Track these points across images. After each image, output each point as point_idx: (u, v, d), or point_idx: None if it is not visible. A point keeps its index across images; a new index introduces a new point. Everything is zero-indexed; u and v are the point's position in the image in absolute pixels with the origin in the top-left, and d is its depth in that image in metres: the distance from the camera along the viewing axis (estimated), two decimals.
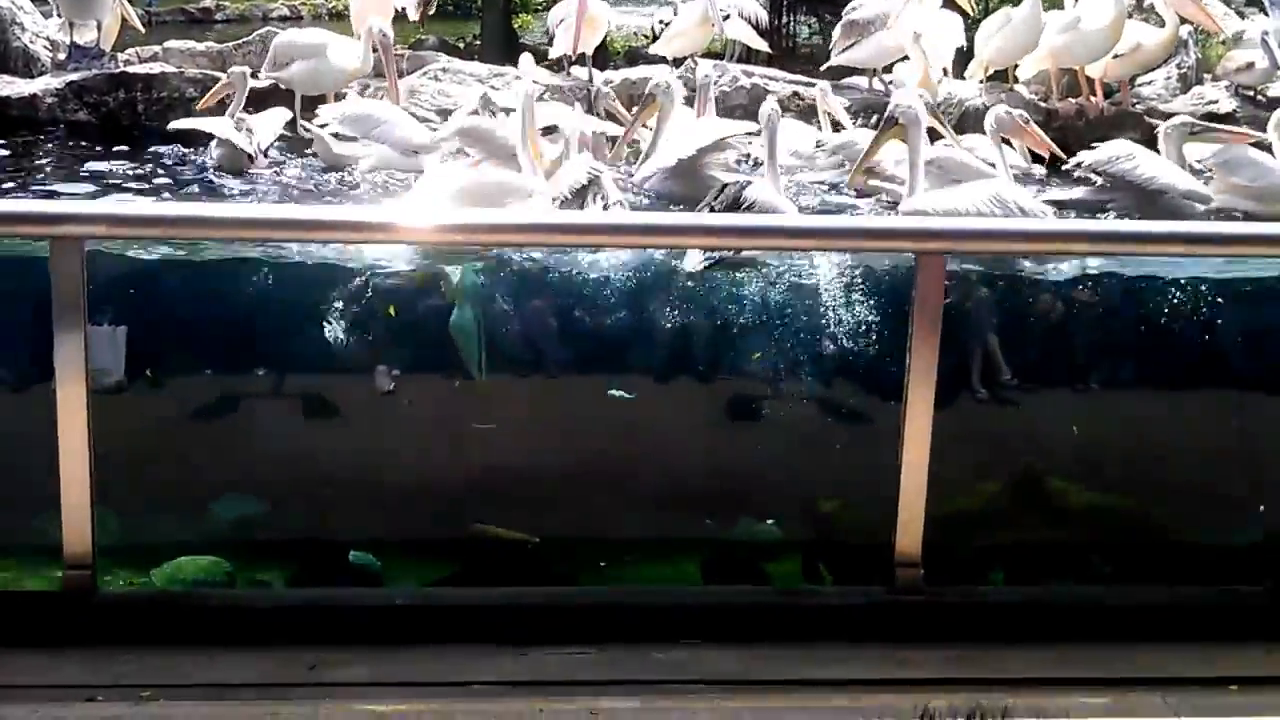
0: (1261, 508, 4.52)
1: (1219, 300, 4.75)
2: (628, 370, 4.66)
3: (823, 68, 8.21)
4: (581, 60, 7.95)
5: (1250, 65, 7.91)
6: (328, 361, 4.54)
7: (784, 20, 19.63)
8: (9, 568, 4.08)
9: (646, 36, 8.46)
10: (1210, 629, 3.63)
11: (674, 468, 4.51)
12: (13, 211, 3.93)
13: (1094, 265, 4.78)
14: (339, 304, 4.57)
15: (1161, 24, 7.81)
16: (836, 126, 7.06)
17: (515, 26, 20.02)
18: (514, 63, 8.11)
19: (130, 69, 7.48)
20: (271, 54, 7.26)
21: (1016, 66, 7.80)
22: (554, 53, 8.16)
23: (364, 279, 4.63)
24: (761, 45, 8.92)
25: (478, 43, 18.03)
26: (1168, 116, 7.10)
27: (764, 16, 9.10)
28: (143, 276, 4.61)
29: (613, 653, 3.52)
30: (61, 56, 7.68)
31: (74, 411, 3.42)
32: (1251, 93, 7.91)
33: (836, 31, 8.14)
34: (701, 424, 4.61)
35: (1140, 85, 8.13)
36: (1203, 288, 4.71)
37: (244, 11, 13.99)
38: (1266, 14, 8.84)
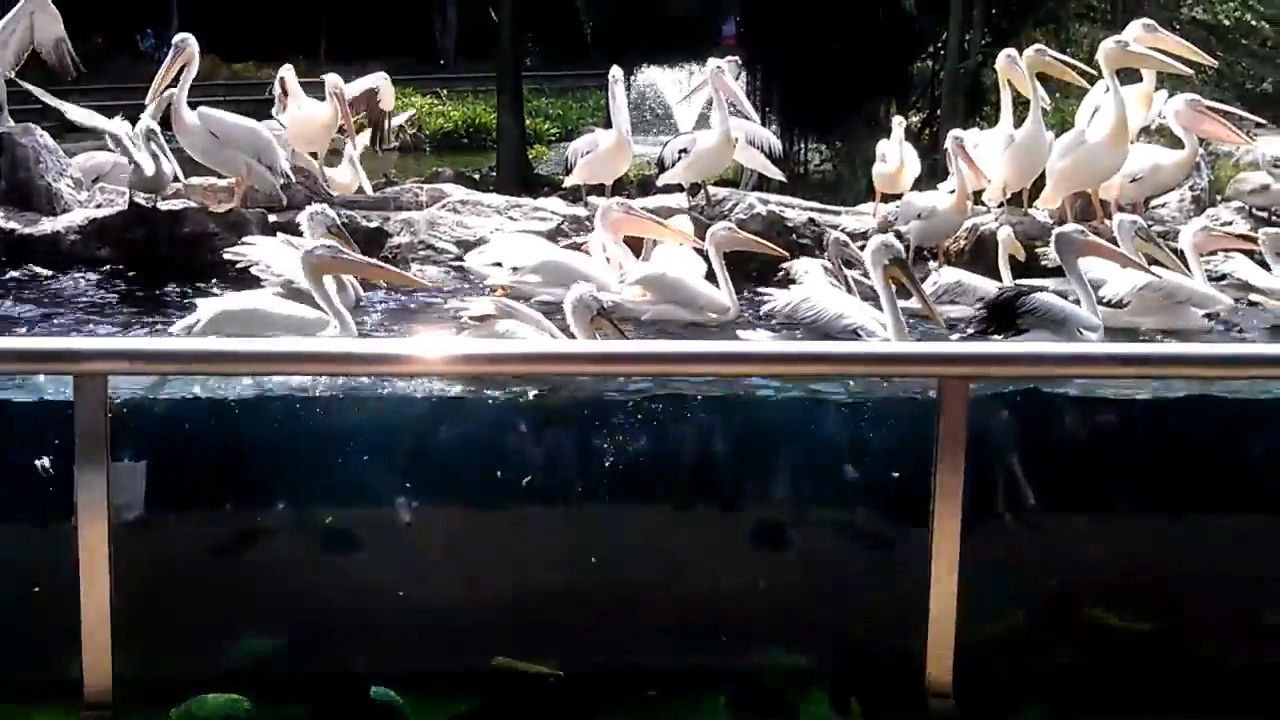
0: None
1: (1253, 421, 4.71)
2: (649, 499, 4.62)
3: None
4: (600, 191, 8.04)
5: (1265, 187, 7.97)
6: (345, 494, 4.51)
7: (795, 147, 19.94)
8: (27, 708, 4.02)
9: (658, 166, 8.54)
10: None
11: (699, 598, 4.45)
12: (37, 349, 3.96)
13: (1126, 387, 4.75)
14: (356, 435, 4.56)
15: (1173, 146, 7.90)
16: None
17: (530, 158, 20.33)
18: (530, 193, 8.24)
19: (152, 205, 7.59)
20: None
21: (1032, 189, 7.88)
22: (569, 181, 8.28)
23: (382, 409, 4.63)
24: (777, 173, 9.01)
25: (493, 174, 18.32)
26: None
27: (777, 145, 9.21)
28: (162, 411, 4.62)
29: None
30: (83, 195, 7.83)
31: (96, 547, 3.40)
32: (1266, 214, 7.94)
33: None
34: (725, 553, 4.56)
35: (1154, 207, 8.19)
36: (1235, 408, 4.67)
37: None
38: None
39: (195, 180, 7.92)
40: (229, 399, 4.68)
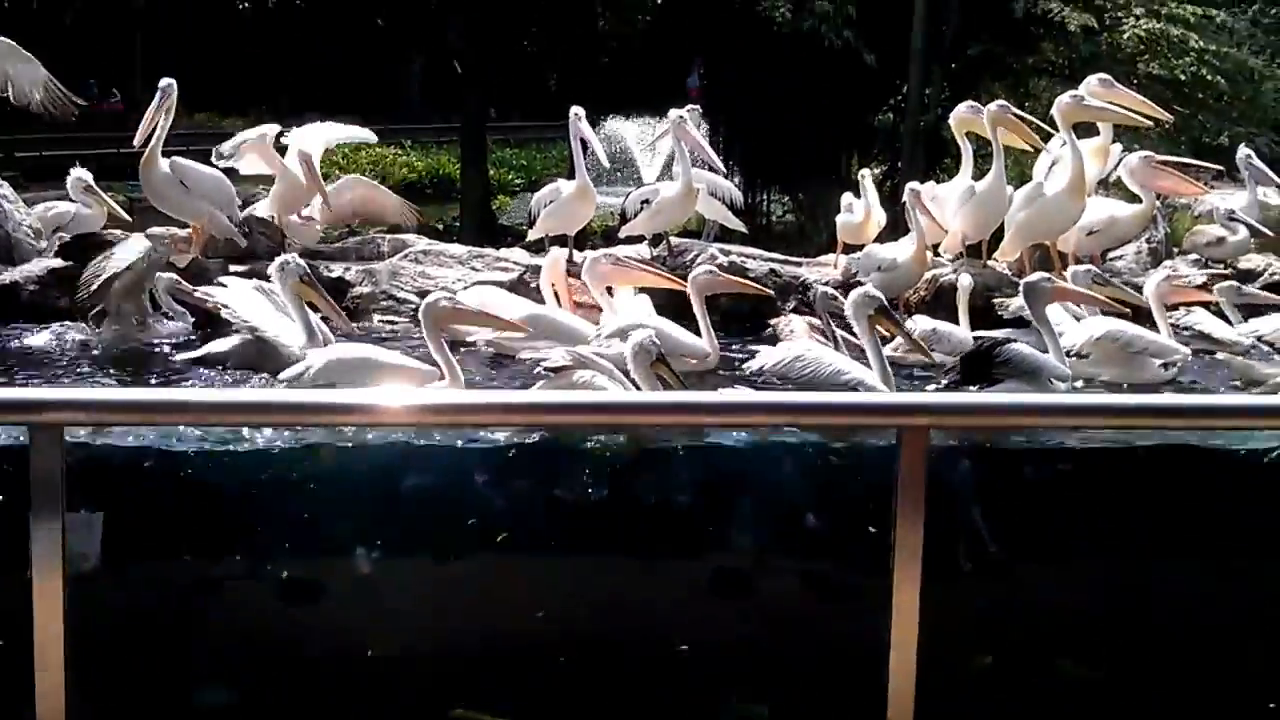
0: None
1: (1212, 470, 4.74)
2: (610, 548, 4.61)
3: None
4: (562, 241, 8.05)
5: (1221, 240, 8.07)
6: (303, 544, 4.48)
7: (758, 199, 20.10)
8: None
9: (620, 217, 8.58)
10: None
11: (660, 648, 4.44)
12: None
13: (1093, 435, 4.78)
14: (316, 485, 4.54)
15: (1130, 198, 7.99)
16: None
17: (494, 208, 20.40)
18: (493, 244, 8.26)
19: None
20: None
21: (991, 241, 7.95)
22: (533, 234, 8.28)
23: (340, 459, 4.61)
24: (738, 225, 9.06)
25: (457, 224, 18.37)
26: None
27: (738, 196, 9.28)
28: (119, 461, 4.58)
29: None
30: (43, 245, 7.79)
31: (51, 599, 3.35)
32: (1222, 266, 8.03)
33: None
34: (686, 603, 4.55)
35: (1111, 259, 8.27)
36: (1199, 457, 4.70)
37: None
38: (1242, 185, 9.03)
39: (156, 230, 7.90)
40: (186, 450, 4.65)
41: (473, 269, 7.73)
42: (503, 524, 4.51)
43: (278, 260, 6.49)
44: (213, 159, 8.36)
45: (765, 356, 6.07)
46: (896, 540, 3.50)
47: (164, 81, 7.59)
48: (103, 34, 28.39)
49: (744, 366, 6.14)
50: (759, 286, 7.01)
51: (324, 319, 6.52)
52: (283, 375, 5.85)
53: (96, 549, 4.34)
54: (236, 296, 6.36)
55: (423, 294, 7.24)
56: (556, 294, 7.18)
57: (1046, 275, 6.60)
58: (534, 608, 4.45)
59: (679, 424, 4.39)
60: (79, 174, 8.36)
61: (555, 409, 3.84)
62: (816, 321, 6.73)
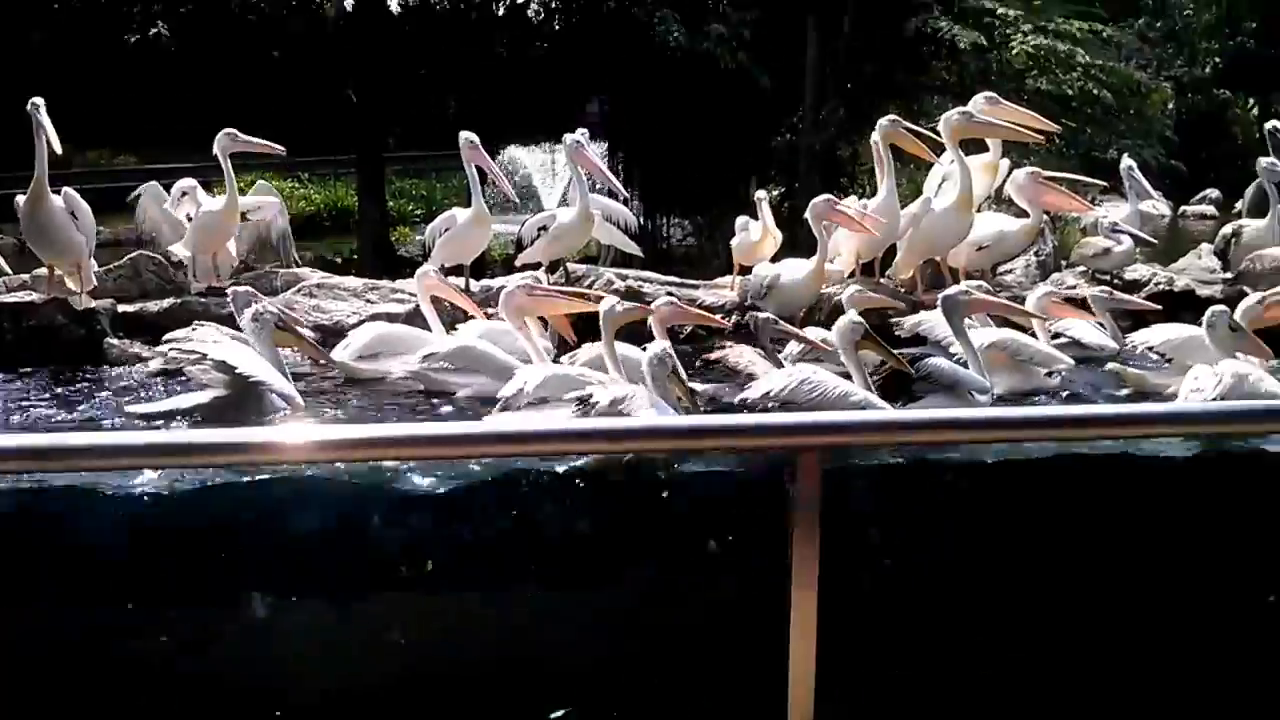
0: None
1: (1113, 479, 4.83)
2: (511, 579, 4.60)
3: None
4: (459, 270, 8.03)
5: (1107, 251, 8.23)
6: (219, 585, 4.43)
7: (658, 223, 20.17)
8: None
9: (516, 244, 8.57)
10: None
11: (564, 675, 4.44)
12: None
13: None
14: (228, 527, 4.49)
15: (1021, 213, 8.12)
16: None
17: (393, 240, 20.26)
18: (393, 275, 8.20)
19: None
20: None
21: (883, 259, 8.04)
22: (429, 264, 8.22)
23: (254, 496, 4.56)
24: (635, 249, 9.09)
25: (355, 257, 18.21)
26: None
27: (633, 221, 9.32)
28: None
29: None
30: None
31: None
32: (1109, 277, 8.19)
33: None
34: (586, 628, 4.55)
35: (1001, 274, 8.40)
36: (1089, 469, 4.79)
37: (117, 235, 13.96)
38: (1125, 198, 9.24)
39: (41, 271, 7.76)
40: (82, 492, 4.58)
41: (368, 301, 7.68)
42: (395, 560, 4.49)
43: (250, 310, 6.24)
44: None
45: (769, 381, 5.88)
46: (794, 559, 3.52)
47: (34, 100, 7.25)
48: None
49: (743, 394, 5.90)
50: (717, 319, 6.97)
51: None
52: (502, 392, 5.76)
53: None
54: (220, 346, 6.04)
55: (317, 328, 7.18)
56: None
57: (963, 288, 6.65)
58: (442, 641, 4.43)
59: (573, 450, 4.38)
60: None
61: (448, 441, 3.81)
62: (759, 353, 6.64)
